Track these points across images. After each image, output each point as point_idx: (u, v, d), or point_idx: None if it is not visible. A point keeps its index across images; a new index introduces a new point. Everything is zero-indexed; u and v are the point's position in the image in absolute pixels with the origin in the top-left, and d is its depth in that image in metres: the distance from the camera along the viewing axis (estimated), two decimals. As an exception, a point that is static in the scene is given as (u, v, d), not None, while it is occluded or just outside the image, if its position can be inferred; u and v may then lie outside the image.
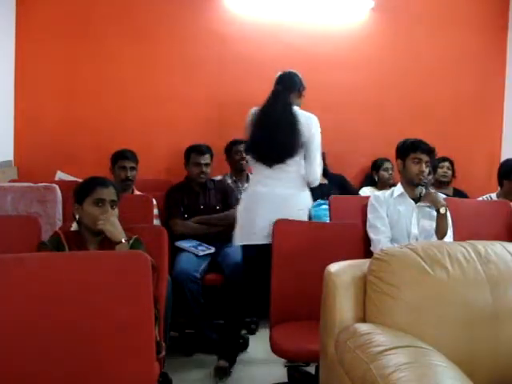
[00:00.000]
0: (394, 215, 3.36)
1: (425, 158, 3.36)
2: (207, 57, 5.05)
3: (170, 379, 3.29)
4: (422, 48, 5.61)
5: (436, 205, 3.32)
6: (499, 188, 4.53)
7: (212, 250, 4.06)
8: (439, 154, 4.97)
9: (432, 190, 3.39)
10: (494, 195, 4.55)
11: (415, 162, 3.39)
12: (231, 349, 3.60)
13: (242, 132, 3.67)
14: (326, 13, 5.32)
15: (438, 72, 5.67)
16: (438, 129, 5.51)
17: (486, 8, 5.86)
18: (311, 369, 3.19)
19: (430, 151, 3.39)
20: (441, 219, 3.28)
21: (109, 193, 2.80)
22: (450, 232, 3.33)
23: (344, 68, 5.35)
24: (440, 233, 3.27)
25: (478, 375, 2.00)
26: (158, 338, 2.51)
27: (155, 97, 5.03)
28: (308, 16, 5.28)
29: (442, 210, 3.28)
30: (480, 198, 4.71)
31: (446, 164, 5.19)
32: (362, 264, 2.36)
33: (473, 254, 2.33)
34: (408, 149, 3.40)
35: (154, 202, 4.02)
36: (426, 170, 3.37)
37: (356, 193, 5.03)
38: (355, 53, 5.41)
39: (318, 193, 4.71)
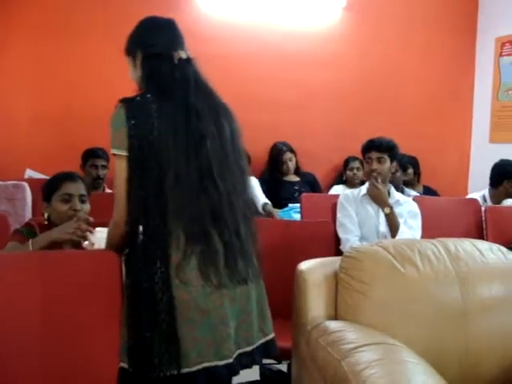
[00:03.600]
0: (363, 214, 3.35)
1: (375, 155, 3.31)
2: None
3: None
4: (393, 47, 5.66)
5: (379, 205, 3.32)
6: (489, 187, 4.56)
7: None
8: (410, 152, 5.07)
9: (380, 188, 3.30)
10: (486, 194, 4.59)
11: (367, 162, 3.39)
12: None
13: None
14: (299, 11, 5.33)
15: (408, 71, 5.73)
16: (408, 127, 5.57)
17: (455, 9, 5.93)
18: (283, 366, 3.19)
19: (381, 147, 3.32)
20: (388, 219, 3.28)
21: (77, 187, 2.62)
22: (413, 231, 3.31)
23: (316, 66, 5.37)
24: (391, 232, 3.27)
25: (448, 371, 2.03)
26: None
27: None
28: (281, 15, 5.28)
29: (386, 211, 3.28)
30: (475, 195, 4.74)
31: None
32: (333, 262, 2.37)
33: (443, 252, 2.36)
34: (363, 149, 3.40)
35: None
36: (379, 167, 3.31)
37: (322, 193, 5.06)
38: (327, 51, 5.43)
39: (289, 191, 4.74)
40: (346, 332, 2.04)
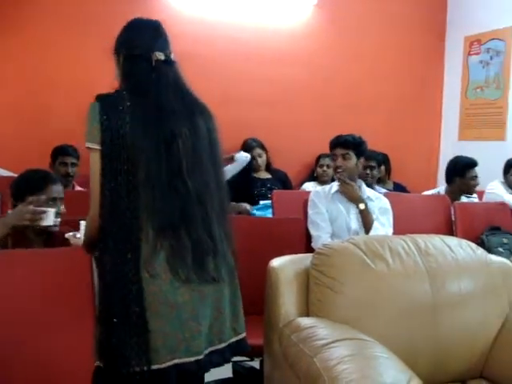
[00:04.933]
0: (334, 211, 3.34)
1: (340, 151, 3.31)
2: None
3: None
4: (364, 45, 5.69)
5: (353, 202, 3.33)
6: (446, 184, 4.62)
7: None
8: (380, 149, 5.11)
9: (352, 185, 3.30)
10: (442, 191, 4.65)
11: (333, 159, 3.40)
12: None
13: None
14: (270, 8, 5.33)
15: (379, 69, 5.76)
16: (379, 124, 5.61)
17: (425, 8, 5.99)
18: (256, 363, 3.19)
19: (346, 144, 3.32)
20: (362, 215, 3.29)
21: (59, 190, 2.59)
22: (384, 227, 3.33)
23: (288, 63, 5.38)
24: (365, 228, 3.28)
25: (418, 365, 2.05)
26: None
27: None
28: (252, 12, 5.28)
29: (361, 207, 3.28)
30: (429, 193, 4.80)
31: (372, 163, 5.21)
32: (305, 258, 2.38)
33: (413, 248, 2.39)
34: (329, 146, 3.40)
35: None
36: (344, 164, 3.31)
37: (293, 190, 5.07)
38: (299, 48, 5.44)
39: (260, 188, 4.74)
40: (317, 328, 2.05)
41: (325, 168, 5.09)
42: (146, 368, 1.84)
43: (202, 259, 1.95)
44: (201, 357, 1.93)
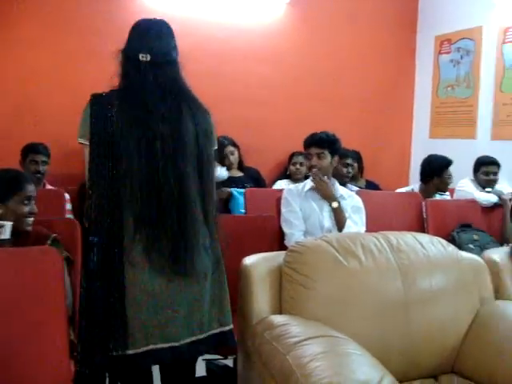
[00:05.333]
0: (307, 209, 3.34)
1: (314, 151, 3.32)
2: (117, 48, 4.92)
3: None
4: (337, 43, 5.72)
5: (327, 199, 3.33)
6: (420, 182, 4.66)
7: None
8: (353, 147, 5.14)
9: (326, 182, 3.31)
10: (416, 189, 4.68)
11: (308, 158, 3.41)
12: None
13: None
14: (243, 6, 5.32)
15: (351, 67, 5.79)
16: (351, 122, 5.64)
17: (397, 7, 6.03)
18: (229, 362, 3.19)
19: (320, 143, 3.32)
20: (335, 213, 3.30)
21: (33, 188, 2.60)
22: (357, 225, 3.35)
23: (260, 61, 5.37)
24: (338, 226, 3.29)
25: (391, 361, 2.06)
26: (73, 337, 2.44)
27: (71, 87, 4.85)
28: (225, 9, 5.27)
29: (334, 205, 3.30)
30: (402, 190, 4.83)
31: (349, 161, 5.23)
32: (278, 256, 2.39)
33: (385, 245, 2.40)
34: (304, 145, 3.40)
35: (67, 196, 3.91)
36: (319, 163, 3.31)
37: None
38: (272, 46, 5.44)
39: (232, 186, 4.72)
40: (290, 326, 2.05)
41: (298, 166, 5.09)
42: (122, 352, 1.94)
43: (178, 252, 2.04)
44: (177, 344, 2.03)
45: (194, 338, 2.09)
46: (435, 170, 4.50)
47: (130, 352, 1.96)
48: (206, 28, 5.17)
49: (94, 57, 4.78)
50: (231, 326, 2.23)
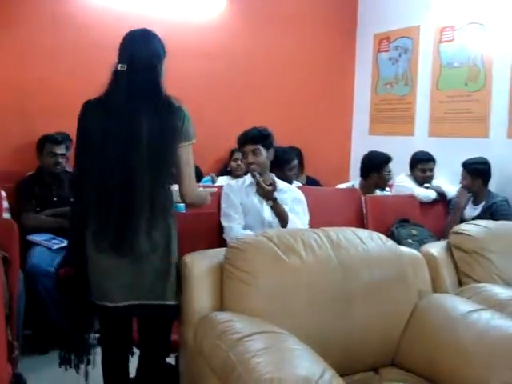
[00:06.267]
0: (248, 203, 3.33)
1: (249, 148, 3.31)
2: (61, 43, 4.83)
3: (24, 380, 3.13)
4: (276, 40, 5.72)
5: (264, 198, 3.32)
6: (361, 178, 4.70)
7: (66, 243, 3.92)
8: (294, 143, 5.17)
9: (264, 187, 3.25)
10: (356, 185, 4.73)
11: (244, 156, 3.40)
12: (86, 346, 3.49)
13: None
14: (184, 2, 5.28)
15: (291, 64, 5.81)
16: (292, 119, 5.67)
17: (338, 5, 6.09)
18: (171, 359, 3.17)
19: (254, 139, 3.31)
20: (275, 210, 3.28)
21: None
22: (299, 216, 3.35)
23: (201, 58, 5.33)
24: (281, 224, 3.29)
25: (332, 355, 2.08)
26: (10, 338, 2.39)
27: (6, 82, 4.74)
28: (166, 6, 5.21)
29: (269, 204, 3.29)
30: (343, 186, 4.88)
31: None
32: (219, 253, 2.39)
33: (325, 240, 2.42)
34: (238, 143, 3.39)
35: (4, 194, 3.81)
36: (255, 159, 3.28)
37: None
38: (212, 43, 5.41)
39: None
40: (232, 322, 2.05)
41: (239, 162, 5.09)
42: (89, 299, 2.40)
43: (119, 239, 2.31)
44: (119, 304, 2.36)
45: (134, 303, 2.36)
46: (375, 166, 4.55)
47: (92, 300, 2.40)
48: (145, 24, 5.01)
49: (40, 55, 4.69)
50: (174, 302, 2.37)
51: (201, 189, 2.75)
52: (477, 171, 4.40)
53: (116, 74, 2.42)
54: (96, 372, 2.54)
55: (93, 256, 2.38)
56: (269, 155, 3.35)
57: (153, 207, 2.34)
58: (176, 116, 2.43)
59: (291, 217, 3.29)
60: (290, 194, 3.43)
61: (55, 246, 3.83)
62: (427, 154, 4.84)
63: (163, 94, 2.48)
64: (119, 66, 2.42)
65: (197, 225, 3.28)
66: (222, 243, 3.19)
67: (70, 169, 4.24)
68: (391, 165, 4.58)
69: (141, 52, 2.47)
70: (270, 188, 3.26)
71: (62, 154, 4.13)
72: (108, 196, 2.32)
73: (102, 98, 2.41)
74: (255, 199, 3.34)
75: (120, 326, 2.57)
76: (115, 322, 2.54)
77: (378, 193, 4.63)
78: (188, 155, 2.47)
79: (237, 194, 3.36)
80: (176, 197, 2.54)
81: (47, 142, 4.16)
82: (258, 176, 3.26)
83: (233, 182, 3.56)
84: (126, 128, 2.32)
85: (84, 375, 2.51)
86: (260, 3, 5.64)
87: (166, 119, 2.39)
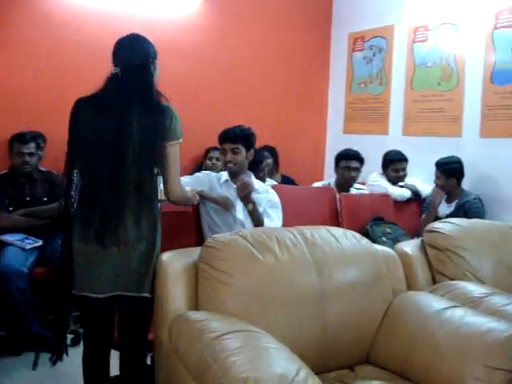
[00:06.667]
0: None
1: (229, 146, 3.31)
2: (37, 41, 4.77)
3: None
4: (252, 38, 5.70)
5: (243, 202, 3.31)
6: (336, 177, 4.75)
7: (40, 242, 3.89)
8: (269, 142, 5.18)
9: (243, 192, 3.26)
10: (332, 183, 4.75)
11: (223, 153, 3.39)
12: (62, 344, 3.47)
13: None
14: (160, 0, 5.25)
15: (267, 62, 5.80)
16: (267, 118, 5.65)
17: (311, 3, 6.09)
18: (147, 359, 3.15)
19: (234, 138, 3.30)
20: (251, 214, 3.29)
21: None
22: (278, 224, 3.34)
23: (175, 56, 5.27)
24: (255, 226, 3.28)
25: (308, 353, 2.10)
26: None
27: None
28: (140, 3, 5.16)
29: (249, 207, 3.28)
30: (318, 184, 4.89)
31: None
32: (194, 252, 2.38)
33: (300, 239, 2.43)
34: (218, 140, 3.37)
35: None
36: (233, 158, 3.29)
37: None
38: (186, 41, 5.37)
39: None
40: (207, 321, 2.05)
41: (214, 161, 5.10)
42: (73, 291, 2.48)
43: (104, 229, 2.39)
44: (100, 296, 2.42)
45: (119, 293, 2.43)
46: (336, 163, 4.66)
47: (74, 292, 2.48)
48: (120, 21, 5.05)
49: (15, 53, 4.63)
50: (146, 294, 2.43)
51: (187, 188, 2.83)
52: (450, 171, 4.44)
53: (111, 75, 2.54)
54: (74, 371, 2.54)
55: (79, 246, 2.45)
56: (248, 155, 3.34)
57: (139, 195, 2.44)
58: (165, 115, 2.55)
59: (266, 222, 3.29)
60: (266, 195, 3.42)
61: (28, 246, 3.80)
62: (399, 153, 4.88)
63: (154, 94, 2.57)
64: (113, 69, 2.54)
65: (171, 224, 3.26)
66: (198, 243, 3.18)
67: (43, 168, 4.21)
68: (365, 163, 4.62)
69: (132, 56, 2.59)
70: (250, 191, 3.26)
71: (31, 153, 4.06)
72: (96, 184, 2.44)
73: (94, 96, 2.51)
74: (229, 196, 3.32)
75: (102, 319, 2.58)
76: (97, 315, 2.56)
77: (353, 191, 4.66)
78: (175, 154, 2.61)
79: (210, 181, 3.35)
80: (161, 195, 2.60)
81: (15, 141, 4.11)
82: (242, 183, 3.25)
83: (213, 174, 3.53)
84: (117, 125, 2.43)
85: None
86: (234, 2, 5.62)
87: (155, 118, 2.50)
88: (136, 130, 2.44)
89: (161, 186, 2.58)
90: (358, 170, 4.65)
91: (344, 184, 4.66)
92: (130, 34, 2.76)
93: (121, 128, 2.43)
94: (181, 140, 2.65)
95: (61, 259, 2.56)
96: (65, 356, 2.79)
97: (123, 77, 2.51)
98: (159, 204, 2.62)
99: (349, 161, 4.62)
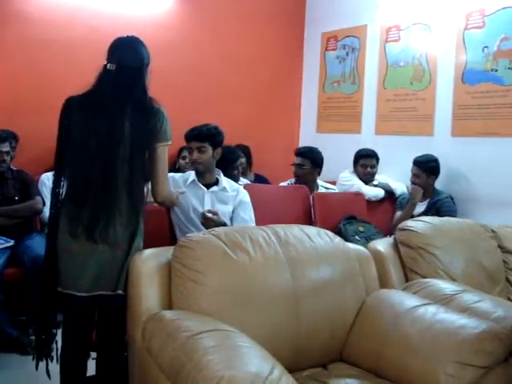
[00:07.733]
0: (187, 199, 3.30)
1: (195, 145, 3.30)
2: (5, 38, 4.70)
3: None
4: (226, 37, 5.70)
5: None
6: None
7: (11, 242, 3.84)
8: (242, 141, 5.18)
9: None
10: (293, 182, 4.75)
11: (189, 152, 3.38)
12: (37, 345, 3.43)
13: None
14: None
15: (240, 61, 5.79)
16: (240, 117, 5.65)
17: (287, 3, 6.11)
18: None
19: (200, 136, 3.30)
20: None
21: None
22: (249, 223, 3.33)
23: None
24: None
25: (281, 352, 2.10)
26: None
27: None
28: (114, 0, 5.14)
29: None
30: (284, 183, 4.90)
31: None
32: (167, 251, 2.37)
33: (273, 238, 2.43)
34: (185, 139, 3.35)
35: None
36: (199, 156, 3.29)
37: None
38: (160, 38, 5.30)
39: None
40: (181, 321, 2.05)
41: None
42: (56, 288, 2.47)
43: (93, 225, 2.41)
44: (85, 294, 2.43)
45: (101, 293, 2.44)
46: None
47: (59, 289, 2.47)
48: (93, 18, 5.01)
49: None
50: (120, 292, 2.43)
51: (172, 189, 2.88)
52: (431, 169, 4.50)
53: (105, 71, 2.58)
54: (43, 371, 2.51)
55: (65, 243, 2.46)
56: (215, 154, 3.33)
57: (130, 199, 2.49)
58: (156, 117, 2.59)
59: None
60: (236, 195, 3.41)
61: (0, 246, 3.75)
62: (370, 150, 4.95)
63: (146, 96, 2.67)
64: (109, 65, 2.58)
65: (146, 222, 3.25)
66: (171, 241, 3.17)
67: (14, 167, 4.15)
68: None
69: (128, 56, 2.65)
70: (215, 219, 3.18)
71: (7, 152, 4.02)
72: (87, 182, 2.45)
73: (87, 95, 2.54)
74: (194, 200, 3.30)
75: (84, 318, 2.59)
76: (79, 314, 2.56)
77: (323, 190, 4.68)
78: (164, 155, 2.61)
79: (176, 181, 3.32)
80: (147, 197, 2.64)
81: None
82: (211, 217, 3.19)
83: (178, 175, 3.50)
84: (109, 126, 2.47)
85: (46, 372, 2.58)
86: (207, 1, 5.61)
87: (147, 119, 2.55)
88: (128, 131, 2.47)
89: (148, 187, 2.61)
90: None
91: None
92: (130, 36, 2.80)
93: (113, 128, 2.46)
94: (170, 142, 2.62)
95: (46, 257, 2.54)
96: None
97: (118, 75, 2.56)
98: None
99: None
